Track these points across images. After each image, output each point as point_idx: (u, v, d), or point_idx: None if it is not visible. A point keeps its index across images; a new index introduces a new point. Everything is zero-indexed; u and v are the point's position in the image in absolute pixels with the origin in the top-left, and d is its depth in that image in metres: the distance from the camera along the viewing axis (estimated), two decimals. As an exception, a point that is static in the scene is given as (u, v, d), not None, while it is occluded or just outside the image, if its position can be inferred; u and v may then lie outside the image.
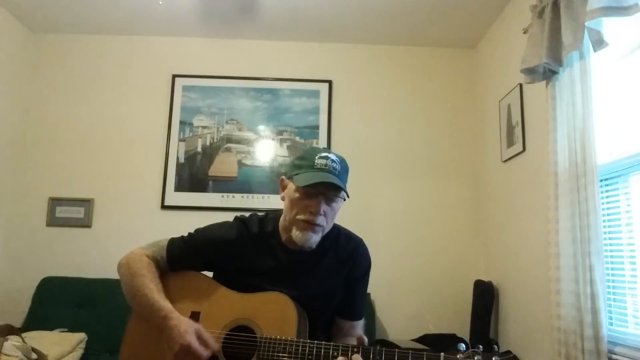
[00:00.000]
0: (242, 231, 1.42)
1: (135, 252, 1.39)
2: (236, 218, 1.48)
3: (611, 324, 1.73)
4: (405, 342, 2.59)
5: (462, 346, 1.10)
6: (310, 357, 1.21)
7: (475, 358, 1.08)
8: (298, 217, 1.32)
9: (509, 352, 1.08)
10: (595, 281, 1.63)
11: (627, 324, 1.70)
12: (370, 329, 2.61)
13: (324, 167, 1.32)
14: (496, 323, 2.66)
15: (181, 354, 1.21)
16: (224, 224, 1.45)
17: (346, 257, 1.44)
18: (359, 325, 1.50)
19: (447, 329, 2.78)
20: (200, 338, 1.23)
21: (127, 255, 1.39)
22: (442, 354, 1.11)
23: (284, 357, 1.23)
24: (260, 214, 1.50)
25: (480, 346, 1.10)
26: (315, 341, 1.23)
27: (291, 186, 1.35)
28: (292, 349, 1.23)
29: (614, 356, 1.64)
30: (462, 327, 2.75)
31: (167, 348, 1.24)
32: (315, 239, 1.34)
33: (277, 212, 1.47)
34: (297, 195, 1.32)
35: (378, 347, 1.17)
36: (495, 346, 1.15)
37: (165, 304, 1.29)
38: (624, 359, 1.61)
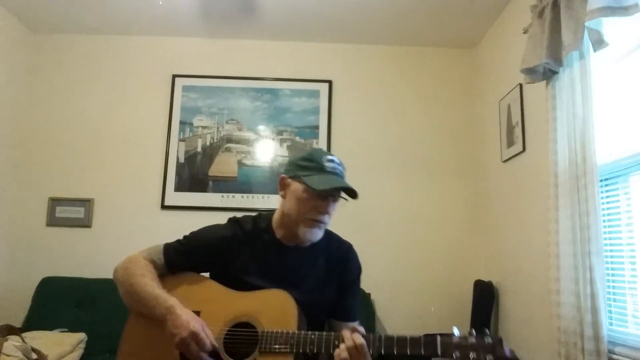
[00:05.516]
0: (236, 229, 1.44)
1: (132, 256, 1.40)
2: (229, 219, 1.50)
3: (611, 324, 1.73)
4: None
5: (456, 330, 1.17)
6: (312, 347, 1.22)
7: (469, 340, 1.15)
8: (307, 215, 1.35)
9: (500, 337, 1.16)
10: (595, 281, 1.63)
11: (627, 324, 1.70)
12: (370, 329, 2.61)
13: (333, 170, 1.36)
14: (496, 323, 2.66)
15: (188, 340, 1.21)
16: (218, 225, 1.48)
17: (338, 260, 1.47)
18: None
19: (447, 329, 2.76)
20: (204, 331, 1.24)
21: (123, 260, 1.40)
22: (438, 336, 1.18)
23: (286, 348, 1.23)
24: (252, 214, 1.52)
25: (474, 330, 1.17)
26: (316, 332, 1.24)
27: (298, 186, 1.36)
28: (293, 340, 1.23)
29: (614, 356, 1.64)
30: (462, 327, 2.68)
31: (172, 335, 1.23)
32: (320, 235, 1.39)
33: (269, 212, 1.49)
34: (305, 195, 1.34)
35: (378, 334, 1.21)
36: (486, 329, 1.20)
37: (169, 296, 1.30)
38: (624, 359, 1.61)
